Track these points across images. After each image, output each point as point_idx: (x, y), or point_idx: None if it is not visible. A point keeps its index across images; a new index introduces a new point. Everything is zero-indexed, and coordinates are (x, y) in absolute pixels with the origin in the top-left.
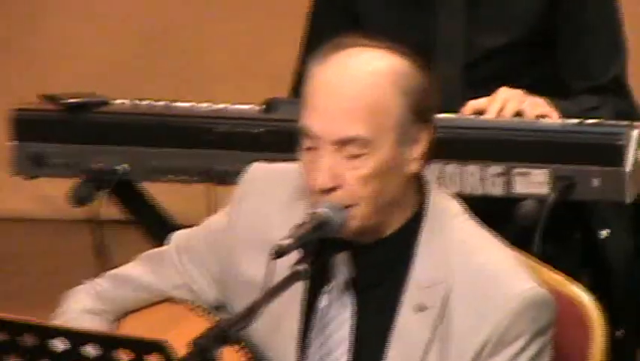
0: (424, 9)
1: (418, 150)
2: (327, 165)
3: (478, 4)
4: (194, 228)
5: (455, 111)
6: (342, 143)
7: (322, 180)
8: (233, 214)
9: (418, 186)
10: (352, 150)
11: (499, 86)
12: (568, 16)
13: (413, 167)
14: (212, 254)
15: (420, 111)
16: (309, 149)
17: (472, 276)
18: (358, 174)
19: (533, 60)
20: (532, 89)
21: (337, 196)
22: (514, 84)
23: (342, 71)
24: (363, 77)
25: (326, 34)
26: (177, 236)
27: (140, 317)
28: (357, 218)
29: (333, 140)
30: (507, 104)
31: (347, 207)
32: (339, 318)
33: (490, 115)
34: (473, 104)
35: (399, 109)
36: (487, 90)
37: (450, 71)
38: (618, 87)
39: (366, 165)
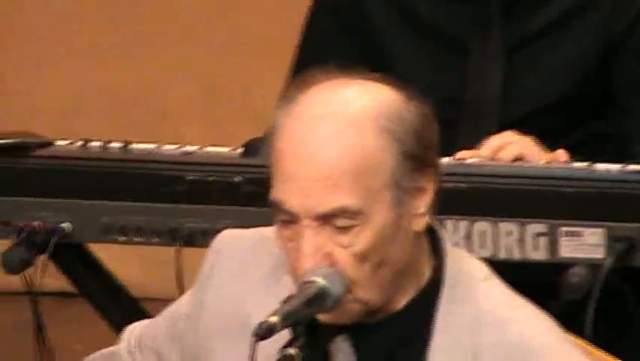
0: (459, 54)
1: (424, 201)
2: (311, 248)
3: (519, 50)
4: (154, 318)
5: None
6: (326, 217)
7: (307, 265)
8: (199, 295)
9: (431, 246)
10: (340, 222)
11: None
12: (626, 70)
13: (421, 224)
14: (175, 352)
15: (418, 156)
16: (285, 223)
17: (508, 353)
18: (351, 252)
19: (581, 119)
20: (580, 148)
21: None
22: (557, 144)
23: (312, 122)
24: (340, 128)
25: (319, 63)
26: (131, 331)
27: None
28: (357, 302)
29: (313, 215)
30: (507, 147)
31: None
32: None
33: (482, 154)
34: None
35: (391, 161)
36: None
37: (481, 136)
38: None
39: (360, 240)
